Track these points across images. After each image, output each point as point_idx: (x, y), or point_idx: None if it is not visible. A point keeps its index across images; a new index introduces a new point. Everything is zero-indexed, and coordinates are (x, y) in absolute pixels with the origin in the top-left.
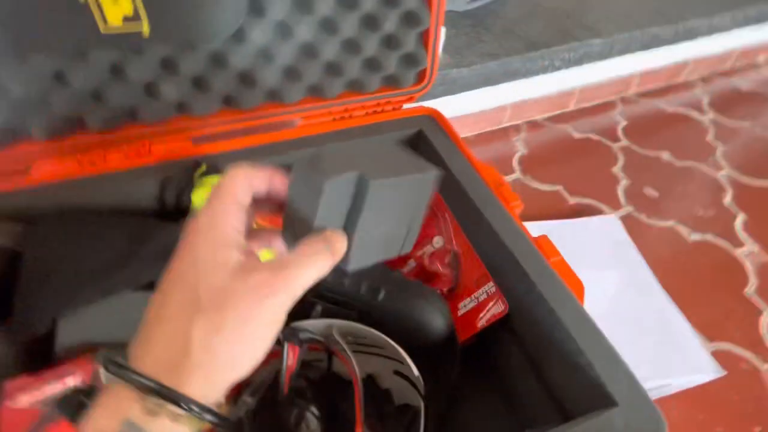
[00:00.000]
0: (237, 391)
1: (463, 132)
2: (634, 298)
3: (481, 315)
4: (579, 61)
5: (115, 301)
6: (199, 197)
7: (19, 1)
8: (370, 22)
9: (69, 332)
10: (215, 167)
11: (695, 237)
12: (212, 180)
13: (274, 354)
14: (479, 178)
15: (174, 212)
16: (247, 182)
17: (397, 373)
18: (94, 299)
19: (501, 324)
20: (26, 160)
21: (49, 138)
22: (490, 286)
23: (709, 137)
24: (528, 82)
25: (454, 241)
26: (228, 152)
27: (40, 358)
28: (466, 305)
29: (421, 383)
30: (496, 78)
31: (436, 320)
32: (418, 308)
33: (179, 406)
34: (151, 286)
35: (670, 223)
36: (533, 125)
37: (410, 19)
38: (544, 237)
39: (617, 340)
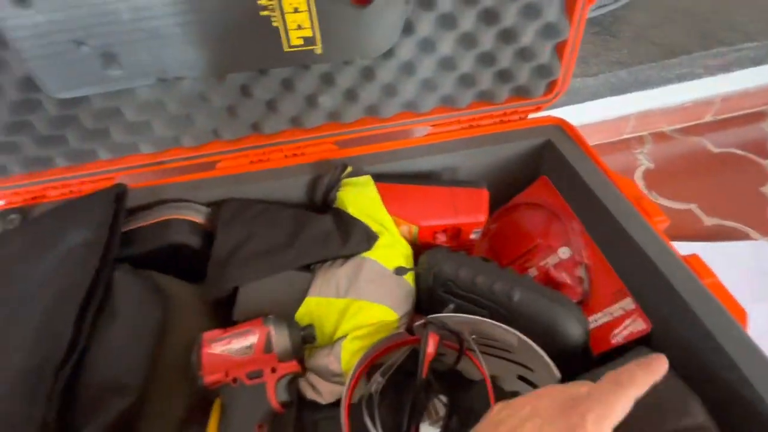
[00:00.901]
0: (369, 369)
1: None
2: None
3: (616, 331)
4: (726, 68)
5: (280, 277)
6: (344, 194)
7: (224, 28)
8: (509, 36)
9: (246, 299)
10: (359, 170)
11: None
12: (356, 181)
13: (405, 341)
14: (616, 191)
15: (320, 206)
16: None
17: (522, 378)
18: (266, 274)
19: (640, 343)
20: (214, 157)
21: (232, 139)
22: (628, 303)
23: None
24: (659, 92)
25: (583, 253)
26: (367, 155)
27: (222, 315)
28: (597, 319)
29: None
30: (625, 87)
31: (574, 328)
32: (557, 314)
33: None
34: (307, 268)
35: None
36: (660, 137)
37: (549, 31)
38: (695, 256)
39: None
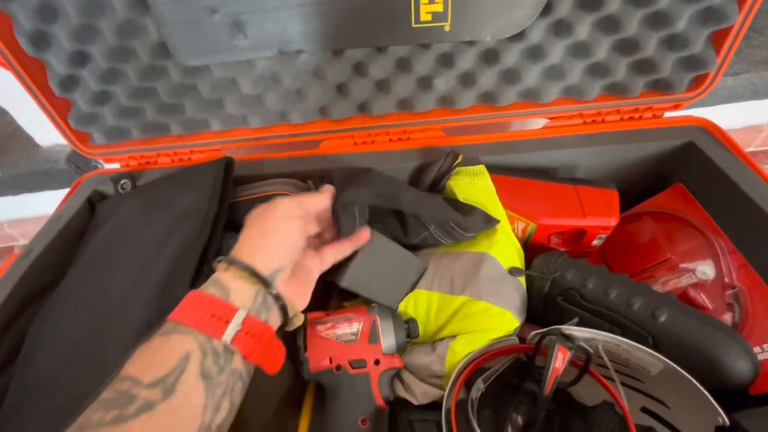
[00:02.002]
0: (469, 376)
1: None
2: None
3: None
4: None
5: (398, 255)
6: (455, 183)
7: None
8: (659, 20)
9: (359, 267)
10: (469, 160)
11: None
12: (468, 170)
13: (515, 348)
14: None
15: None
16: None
17: (645, 410)
18: (385, 202)
19: None
20: (319, 136)
21: (339, 119)
22: None
23: None
24: None
25: (734, 275)
26: (475, 144)
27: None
28: (757, 354)
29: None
30: (767, 91)
31: (741, 363)
32: (719, 344)
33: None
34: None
35: None
36: None
37: (709, 16)
38: None
39: None
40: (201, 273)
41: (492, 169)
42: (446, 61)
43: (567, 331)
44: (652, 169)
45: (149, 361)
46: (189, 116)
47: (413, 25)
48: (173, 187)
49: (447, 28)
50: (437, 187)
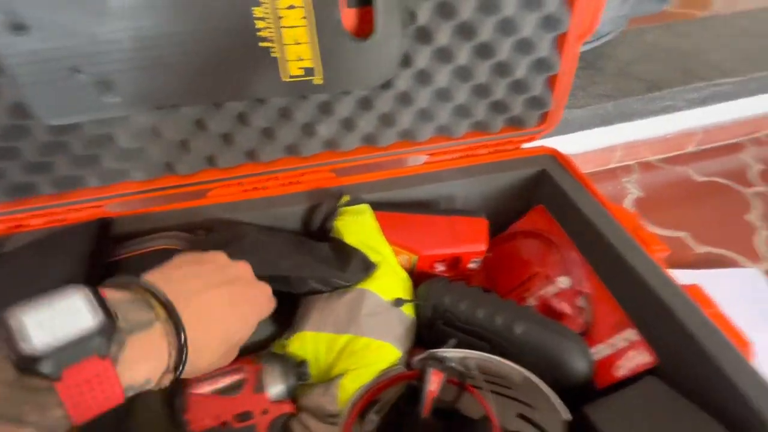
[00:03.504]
0: (363, 408)
1: None
2: None
3: (620, 363)
4: (703, 102)
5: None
6: (341, 223)
7: (223, 58)
8: (502, 69)
9: None
10: (356, 199)
11: None
12: (353, 209)
13: (403, 376)
14: (613, 220)
15: (317, 235)
16: None
17: (521, 416)
18: (260, 270)
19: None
20: (208, 185)
21: (226, 167)
22: (631, 334)
23: None
24: (643, 123)
25: (584, 282)
26: (364, 183)
27: None
28: (599, 351)
29: (559, 426)
30: (611, 119)
31: (579, 363)
32: (561, 348)
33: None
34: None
35: None
36: (646, 166)
37: (541, 65)
38: (695, 287)
39: None
40: None
41: (378, 206)
42: (326, 108)
43: (440, 354)
44: (519, 194)
45: None
46: (61, 174)
47: (284, 80)
48: (38, 256)
49: (317, 81)
50: (325, 227)
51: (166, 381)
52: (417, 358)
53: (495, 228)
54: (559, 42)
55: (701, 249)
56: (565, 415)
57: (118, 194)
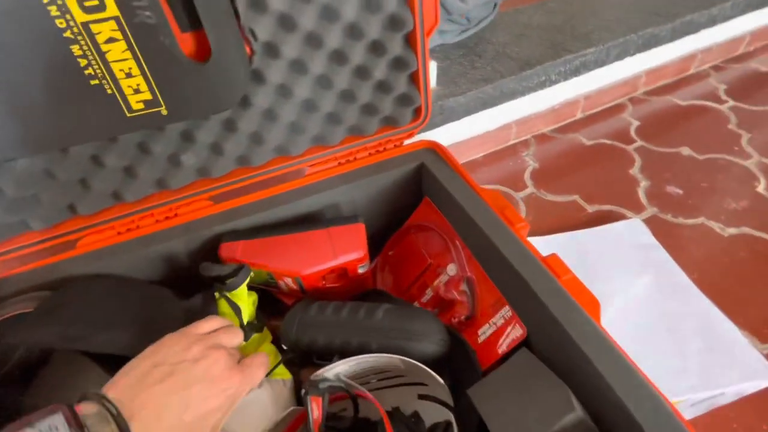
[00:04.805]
0: None
1: (471, 154)
2: (671, 304)
3: (501, 341)
4: (576, 72)
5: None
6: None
7: (53, 99)
8: (362, 73)
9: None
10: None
11: (731, 231)
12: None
13: (298, 419)
14: (484, 204)
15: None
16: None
17: (422, 396)
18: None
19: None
20: (74, 235)
21: (91, 213)
22: (506, 311)
23: (732, 125)
24: (528, 99)
25: (467, 268)
26: (244, 206)
27: None
28: (485, 332)
29: (447, 393)
30: (493, 100)
31: (428, 350)
32: (411, 351)
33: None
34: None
35: (700, 220)
36: (542, 138)
37: (398, 64)
38: (553, 256)
39: (657, 350)
40: None
41: (259, 230)
42: (188, 136)
43: (318, 378)
44: (406, 190)
45: None
46: None
47: (128, 115)
48: None
49: (164, 112)
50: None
51: None
52: (302, 391)
53: (393, 225)
54: (410, 39)
55: (592, 208)
56: (441, 380)
57: None
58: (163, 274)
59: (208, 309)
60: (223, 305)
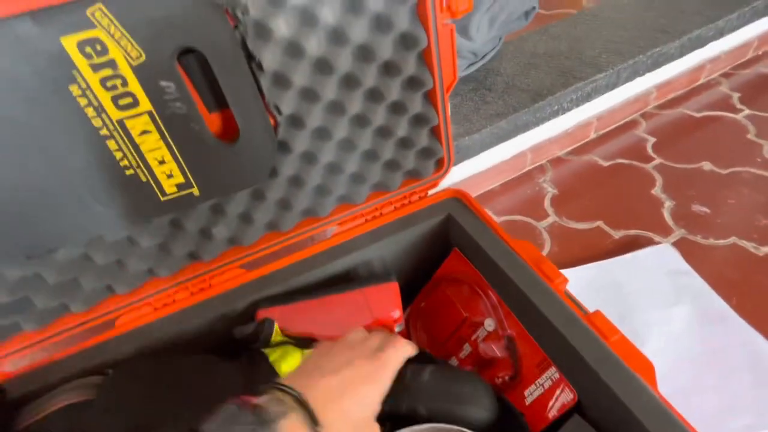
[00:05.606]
0: None
1: (487, 185)
2: (713, 335)
3: (550, 404)
4: (587, 98)
5: None
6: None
7: (93, 192)
8: (384, 133)
9: None
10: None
11: (766, 250)
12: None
13: None
14: (517, 258)
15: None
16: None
17: None
18: None
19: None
20: (112, 315)
21: (128, 292)
22: (553, 372)
23: (750, 135)
24: (541, 128)
25: (506, 324)
26: (278, 271)
27: None
28: (532, 393)
29: None
30: (508, 134)
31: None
32: (462, 415)
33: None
34: None
35: (731, 240)
36: (557, 162)
37: (419, 120)
38: (597, 313)
39: (703, 387)
40: None
41: (294, 295)
42: (218, 210)
43: None
44: (435, 242)
45: None
46: None
47: (163, 199)
48: None
49: (196, 193)
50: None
51: None
52: None
53: (421, 277)
54: (431, 96)
55: (618, 234)
56: None
57: (10, 352)
58: (202, 345)
59: (258, 363)
60: (272, 354)
